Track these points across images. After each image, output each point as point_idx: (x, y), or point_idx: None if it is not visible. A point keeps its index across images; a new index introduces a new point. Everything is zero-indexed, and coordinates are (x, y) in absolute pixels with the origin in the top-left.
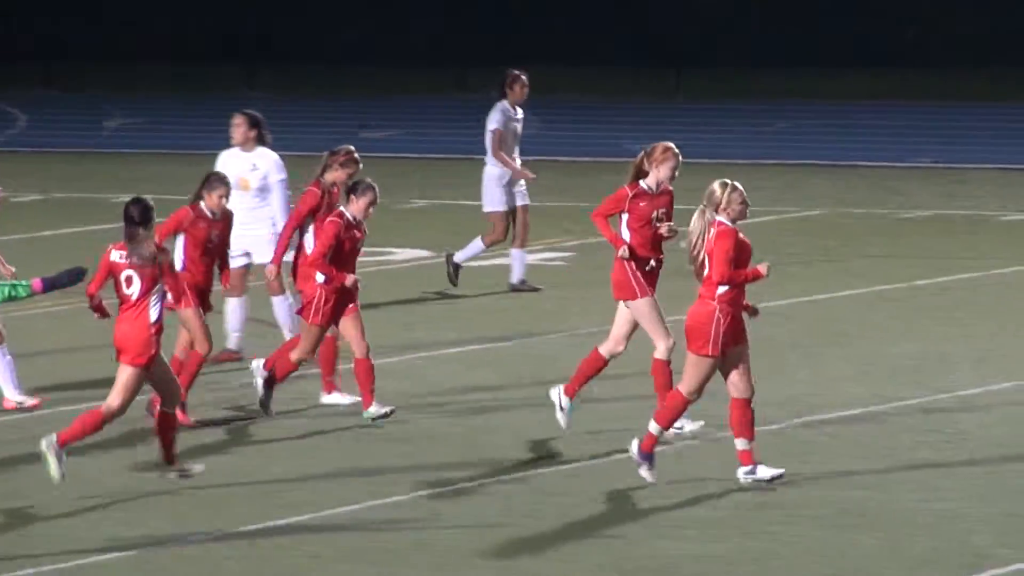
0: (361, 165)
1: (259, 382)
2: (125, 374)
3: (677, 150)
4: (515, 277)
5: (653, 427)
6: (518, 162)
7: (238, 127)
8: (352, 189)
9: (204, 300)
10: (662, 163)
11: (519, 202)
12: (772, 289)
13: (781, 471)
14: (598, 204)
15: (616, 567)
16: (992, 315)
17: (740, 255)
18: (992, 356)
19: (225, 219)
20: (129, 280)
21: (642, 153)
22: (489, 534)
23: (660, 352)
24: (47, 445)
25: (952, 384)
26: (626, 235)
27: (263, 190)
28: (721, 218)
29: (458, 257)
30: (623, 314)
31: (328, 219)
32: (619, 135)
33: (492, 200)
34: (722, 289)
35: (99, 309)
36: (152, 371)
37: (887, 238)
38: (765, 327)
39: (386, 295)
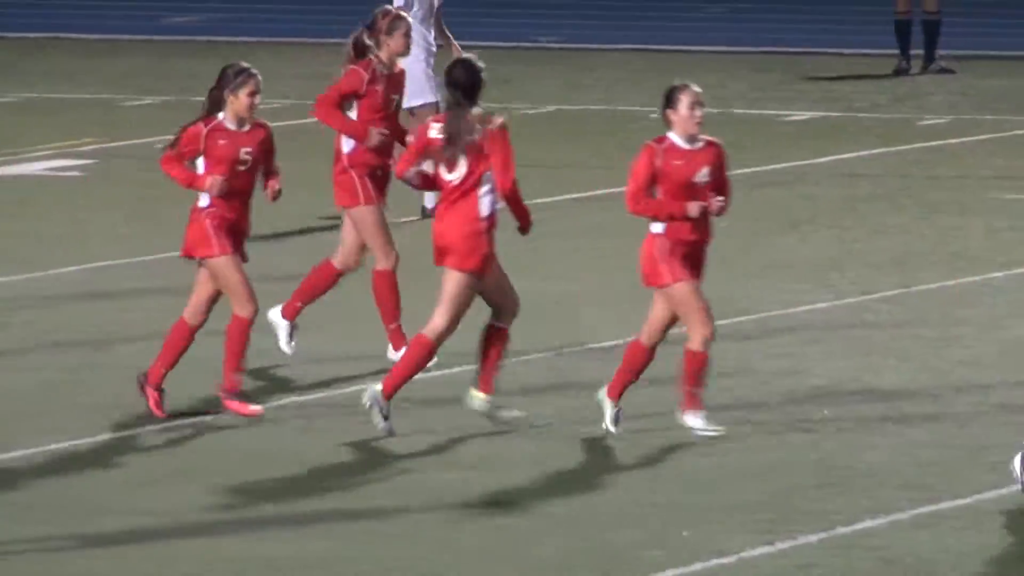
0: None
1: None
2: (451, 282)
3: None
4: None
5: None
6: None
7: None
8: None
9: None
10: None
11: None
12: None
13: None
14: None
15: None
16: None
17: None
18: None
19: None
20: (452, 161)
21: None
22: None
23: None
24: (370, 399)
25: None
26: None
27: None
28: None
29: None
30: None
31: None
32: None
33: (420, 90)
34: None
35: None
36: (485, 278)
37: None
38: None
39: None
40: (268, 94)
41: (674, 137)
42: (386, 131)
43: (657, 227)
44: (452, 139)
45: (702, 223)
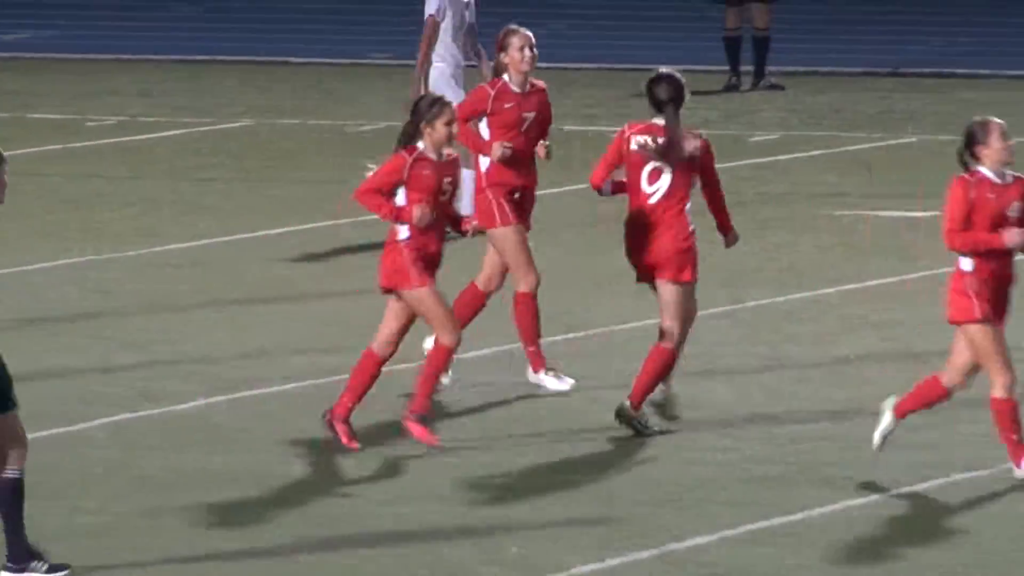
0: None
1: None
2: (672, 293)
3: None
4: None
5: None
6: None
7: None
8: None
9: None
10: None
11: None
12: (179, 230)
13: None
14: None
15: None
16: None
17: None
18: None
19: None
20: (656, 174)
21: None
22: None
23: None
24: (624, 419)
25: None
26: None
27: None
28: None
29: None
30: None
31: None
32: None
33: None
34: None
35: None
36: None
37: (330, 157)
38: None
39: None
40: (100, 111)
41: (985, 171)
42: (511, 145)
43: (967, 264)
44: (668, 153)
45: (1009, 262)
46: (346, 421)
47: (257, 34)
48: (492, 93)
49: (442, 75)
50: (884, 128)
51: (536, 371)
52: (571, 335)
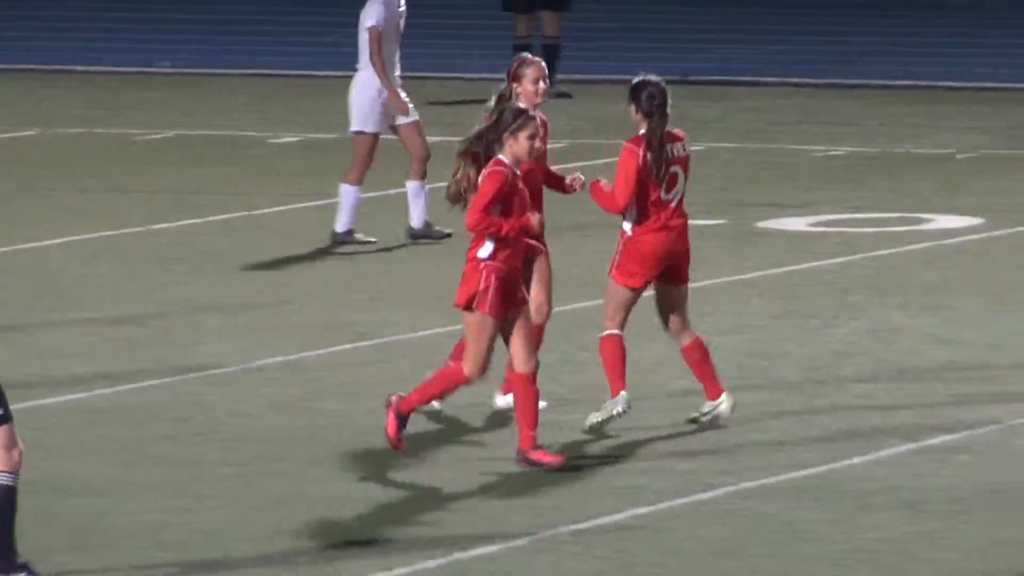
0: None
1: None
2: (685, 292)
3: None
4: (416, 220)
5: None
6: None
7: None
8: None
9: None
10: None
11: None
12: None
13: None
14: None
15: None
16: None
17: None
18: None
19: None
20: (673, 179)
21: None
22: None
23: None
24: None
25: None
26: None
27: None
28: None
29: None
30: None
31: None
32: None
33: (365, 117)
34: None
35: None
36: None
37: (116, 166)
38: None
39: None
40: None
41: None
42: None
43: None
44: (660, 158)
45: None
46: (536, 446)
47: (40, 42)
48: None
49: (370, 82)
50: None
51: (505, 394)
52: (359, 344)
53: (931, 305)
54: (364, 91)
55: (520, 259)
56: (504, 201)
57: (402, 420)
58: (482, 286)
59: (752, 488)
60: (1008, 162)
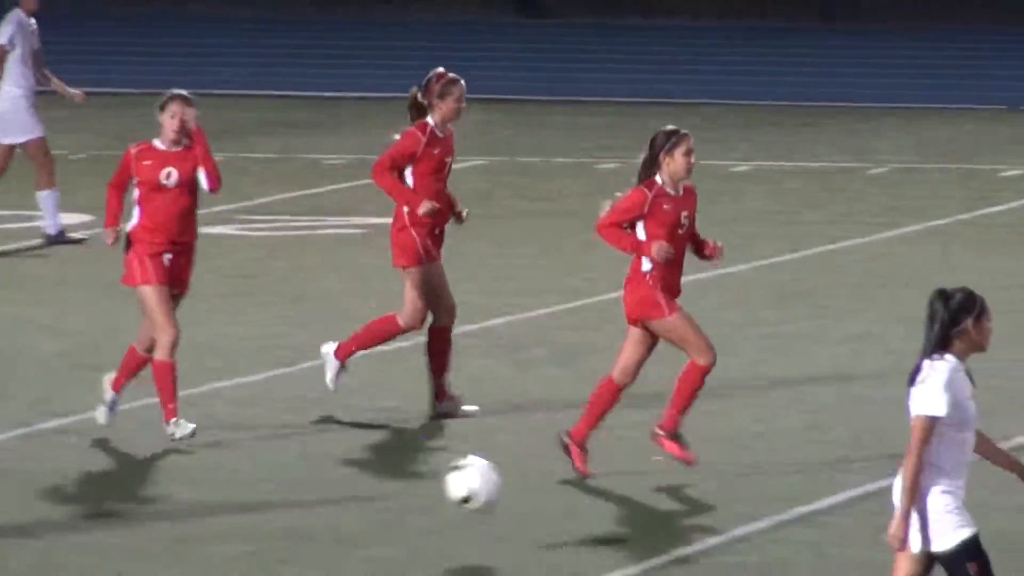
0: None
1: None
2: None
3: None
4: (53, 227)
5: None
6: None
7: None
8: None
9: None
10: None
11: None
12: None
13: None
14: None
15: None
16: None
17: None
18: None
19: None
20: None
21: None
22: None
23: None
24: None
25: None
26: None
27: None
28: None
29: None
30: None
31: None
32: None
33: (26, 127)
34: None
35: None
36: None
37: None
38: None
39: None
40: None
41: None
42: (438, 205)
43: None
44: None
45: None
46: (582, 446)
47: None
48: (424, 139)
49: (18, 100)
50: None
51: (440, 401)
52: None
53: None
54: (14, 103)
55: (678, 276)
56: (651, 221)
57: (675, 436)
58: (648, 298)
59: None
60: None
